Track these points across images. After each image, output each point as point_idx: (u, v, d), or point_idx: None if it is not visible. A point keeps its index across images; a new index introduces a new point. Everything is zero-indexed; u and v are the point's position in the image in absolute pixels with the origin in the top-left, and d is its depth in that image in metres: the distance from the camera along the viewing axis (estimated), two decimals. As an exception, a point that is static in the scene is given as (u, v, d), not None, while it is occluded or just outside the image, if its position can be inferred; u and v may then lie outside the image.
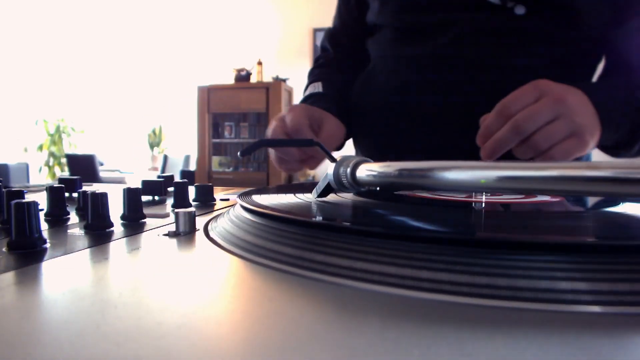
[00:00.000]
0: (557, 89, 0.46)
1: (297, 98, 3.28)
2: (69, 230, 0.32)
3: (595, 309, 0.16)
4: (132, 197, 0.35)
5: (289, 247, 0.23)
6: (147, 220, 0.36)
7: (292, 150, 0.57)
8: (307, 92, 0.73)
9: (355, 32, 0.78)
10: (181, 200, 0.43)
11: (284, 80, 3.74)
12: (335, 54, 0.81)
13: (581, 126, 0.45)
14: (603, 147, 0.57)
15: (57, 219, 0.36)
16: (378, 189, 0.40)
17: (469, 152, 0.61)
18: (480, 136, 0.47)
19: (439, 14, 0.62)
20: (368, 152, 0.75)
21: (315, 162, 0.59)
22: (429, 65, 0.64)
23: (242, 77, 3.84)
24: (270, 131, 0.58)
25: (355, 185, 0.31)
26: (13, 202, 0.25)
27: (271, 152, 0.61)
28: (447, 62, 0.62)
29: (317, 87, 0.72)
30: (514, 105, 0.45)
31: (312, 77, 0.78)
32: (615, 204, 0.33)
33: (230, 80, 3.91)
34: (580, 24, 0.58)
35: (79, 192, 0.42)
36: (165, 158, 4.76)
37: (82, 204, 0.40)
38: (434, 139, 0.64)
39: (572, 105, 0.45)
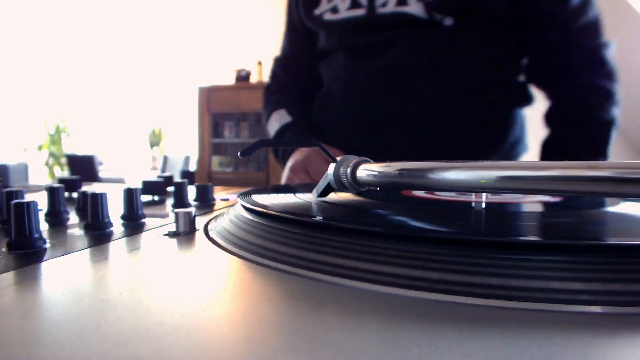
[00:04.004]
0: None
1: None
2: (68, 230, 0.32)
3: (595, 309, 0.16)
4: (132, 197, 0.35)
5: (289, 247, 0.23)
6: (147, 220, 0.36)
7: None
8: (276, 124, 0.75)
9: (304, 60, 0.83)
10: (181, 200, 0.43)
11: (284, 81, 3.74)
12: (289, 79, 0.84)
13: None
14: None
15: (57, 219, 0.36)
16: (378, 189, 0.40)
17: (427, 153, 0.70)
18: None
19: (381, 33, 0.70)
20: None
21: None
22: (379, 79, 0.71)
23: (242, 77, 3.84)
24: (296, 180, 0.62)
25: (356, 185, 0.31)
26: (13, 202, 0.25)
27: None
28: (395, 73, 0.70)
29: (284, 116, 0.76)
30: None
31: (271, 104, 0.80)
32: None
33: (230, 80, 3.91)
34: (504, 30, 0.68)
35: (79, 192, 0.42)
36: (165, 158, 4.76)
37: (82, 204, 0.40)
38: (393, 143, 0.71)
39: None
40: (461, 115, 0.69)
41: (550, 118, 0.74)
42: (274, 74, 0.86)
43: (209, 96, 3.77)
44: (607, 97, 0.68)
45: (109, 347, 0.13)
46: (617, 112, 0.68)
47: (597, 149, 0.68)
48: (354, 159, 0.32)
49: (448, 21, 0.66)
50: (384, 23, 0.69)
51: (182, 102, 5.10)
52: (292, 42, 0.84)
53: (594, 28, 0.68)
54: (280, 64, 0.86)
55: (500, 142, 0.71)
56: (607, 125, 0.68)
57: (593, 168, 0.18)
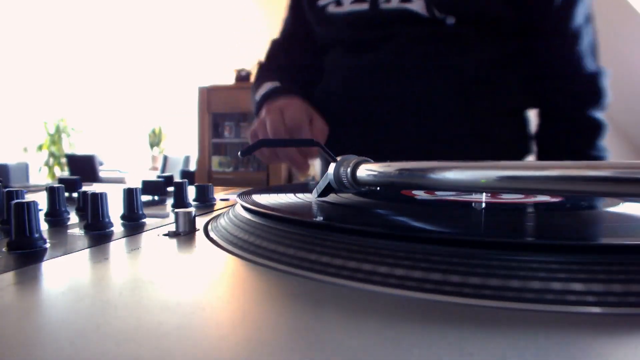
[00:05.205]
0: None
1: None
2: (69, 230, 0.32)
3: (596, 309, 0.16)
4: (132, 197, 0.35)
5: (289, 247, 0.23)
6: (147, 220, 0.36)
7: (292, 153, 0.57)
8: (265, 89, 0.71)
9: (307, 43, 0.83)
10: (181, 200, 0.43)
11: (284, 80, 3.73)
12: (287, 61, 0.83)
13: None
14: None
15: (57, 219, 0.36)
16: (378, 188, 0.40)
17: (418, 148, 0.70)
18: None
19: (381, 29, 0.71)
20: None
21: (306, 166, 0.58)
22: (377, 72, 0.72)
23: (242, 77, 3.83)
24: (268, 125, 0.57)
25: (356, 185, 0.31)
26: (13, 202, 0.25)
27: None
28: (392, 68, 0.71)
29: (276, 84, 0.72)
30: None
31: (264, 77, 0.76)
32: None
33: (230, 80, 3.91)
34: (504, 33, 0.68)
35: (79, 192, 0.42)
36: (165, 158, 4.76)
37: (82, 204, 0.40)
38: (389, 136, 0.72)
39: None
40: (455, 114, 0.70)
41: (540, 141, 0.74)
42: (273, 55, 0.84)
43: (209, 96, 3.77)
44: (598, 131, 0.68)
45: (109, 347, 0.13)
46: (604, 145, 0.69)
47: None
48: (354, 158, 0.32)
49: (450, 20, 0.66)
50: (385, 18, 0.70)
51: (182, 102, 5.10)
52: (297, 24, 0.83)
53: (591, 53, 0.68)
54: (281, 46, 0.84)
55: (491, 142, 0.71)
56: (596, 158, 0.68)
57: (593, 168, 0.18)
